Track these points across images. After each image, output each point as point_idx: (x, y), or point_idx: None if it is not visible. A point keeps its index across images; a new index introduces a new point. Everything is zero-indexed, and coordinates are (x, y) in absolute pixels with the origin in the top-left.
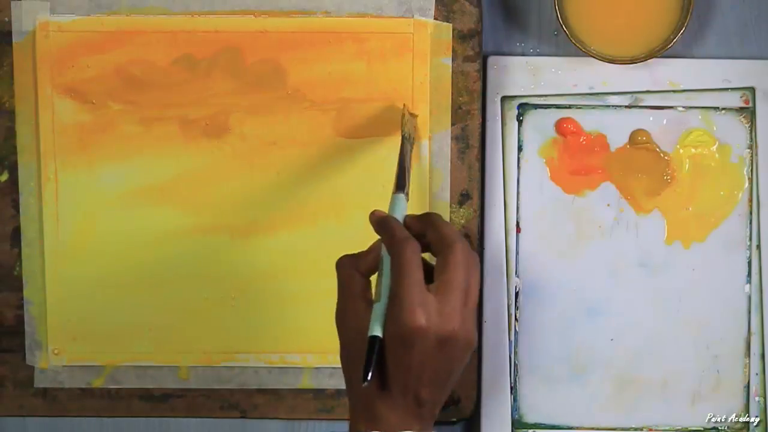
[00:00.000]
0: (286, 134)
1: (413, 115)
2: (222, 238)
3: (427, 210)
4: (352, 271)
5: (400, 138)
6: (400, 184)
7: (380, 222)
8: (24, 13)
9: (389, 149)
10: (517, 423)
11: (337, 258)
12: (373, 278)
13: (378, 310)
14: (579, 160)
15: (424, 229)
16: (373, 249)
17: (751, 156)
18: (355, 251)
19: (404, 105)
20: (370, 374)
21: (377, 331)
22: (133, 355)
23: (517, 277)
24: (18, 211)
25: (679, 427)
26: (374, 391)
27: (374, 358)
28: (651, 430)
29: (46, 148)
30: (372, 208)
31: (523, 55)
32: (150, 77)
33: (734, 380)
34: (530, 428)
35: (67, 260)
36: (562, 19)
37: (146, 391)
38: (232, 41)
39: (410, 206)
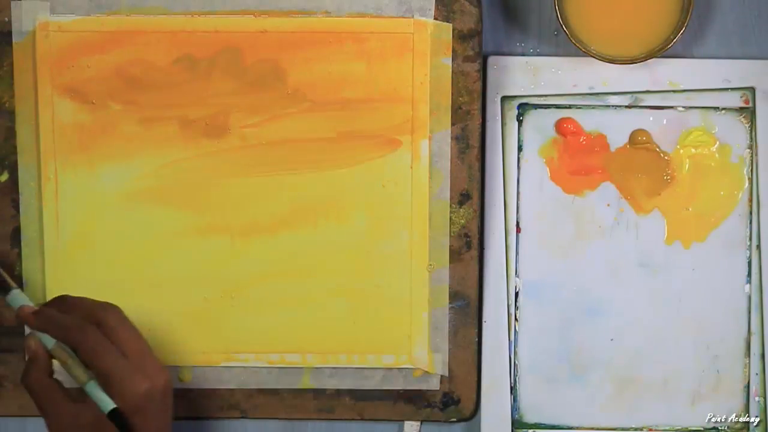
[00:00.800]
0: (286, 134)
1: None
2: (222, 238)
3: (426, 213)
4: (45, 380)
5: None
6: (5, 284)
7: (39, 317)
8: (24, 13)
9: (389, 149)
10: (517, 423)
11: (23, 382)
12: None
13: (94, 386)
14: (579, 160)
15: (64, 312)
16: (37, 347)
17: (751, 156)
18: (355, 251)
19: None
20: None
21: (111, 404)
22: None
23: (517, 277)
24: (18, 211)
25: (679, 427)
26: None
27: (128, 423)
28: (651, 430)
29: (46, 148)
30: (372, 208)
31: (523, 55)
32: (150, 77)
33: (734, 380)
34: (530, 428)
35: (67, 260)
36: (562, 19)
37: None
38: (232, 41)
39: (410, 206)
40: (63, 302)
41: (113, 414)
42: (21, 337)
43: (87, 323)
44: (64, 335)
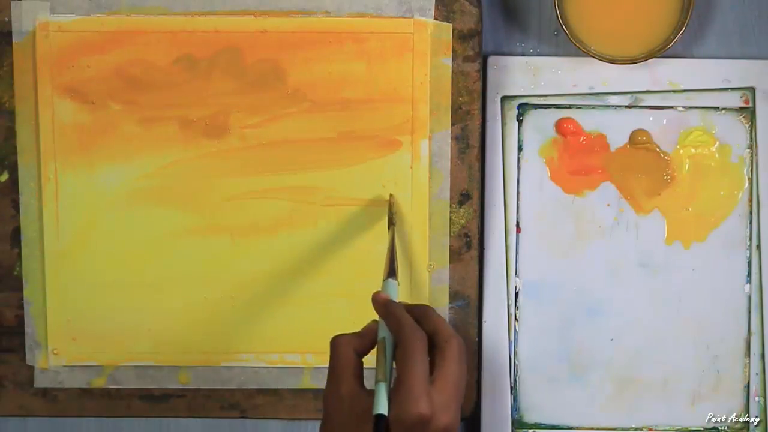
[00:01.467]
0: (286, 134)
1: (393, 199)
2: (222, 238)
3: (426, 213)
4: (351, 352)
5: (388, 227)
6: (392, 270)
7: (386, 306)
8: (24, 13)
9: (389, 149)
10: (517, 423)
11: (333, 336)
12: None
13: (382, 390)
14: (579, 160)
15: (419, 320)
16: (370, 331)
17: (751, 156)
18: (355, 252)
19: (390, 195)
20: None
21: (383, 409)
22: (133, 355)
23: (517, 277)
24: (18, 211)
25: (679, 427)
26: None
27: None
28: (651, 430)
29: (46, 148)
30: (372, 208)
31: (523, 55)
32: (150, 77)
33: (734, 380)
34: (530, 428)
35: (67, 260)
36: (562, 19)
37: (146, 391)
38: (232, 41)
39: (411, 206)
40: (421, 310)
41: (378, 418)
42: (21, 337)
43: (422, 332)
44: (397, 330)
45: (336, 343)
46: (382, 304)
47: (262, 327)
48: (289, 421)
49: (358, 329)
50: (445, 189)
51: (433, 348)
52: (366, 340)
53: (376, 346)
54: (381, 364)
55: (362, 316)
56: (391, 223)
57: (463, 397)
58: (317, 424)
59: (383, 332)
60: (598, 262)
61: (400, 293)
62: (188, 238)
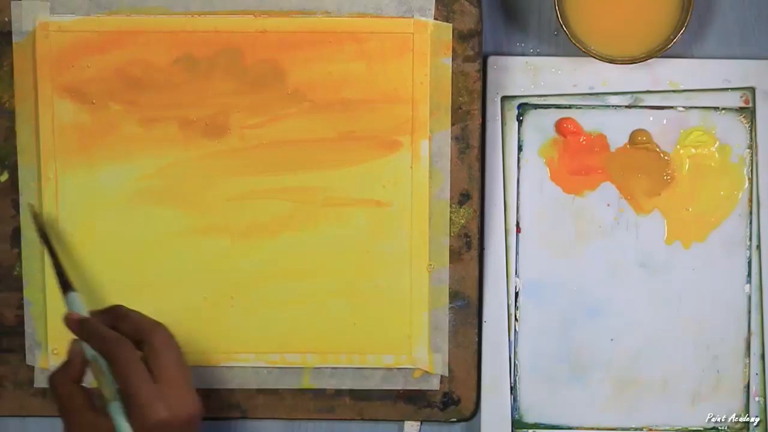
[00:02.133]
0: (286, 134)
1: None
2: (222, 239)
3: (426, 213)
4: (70, 385)
5: (42, 242)
6: (66, 283)
7: (81, 324)
8: (24, 13)
9: (389, 149)
10: (517, 423)
11: (50, 380)
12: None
13: (117, 410)
14: (579, 160)
15: (114, 322)
16: (76, 354)
17: (751, 156)
18: (355, 252)
19: (31, 206)
20: None
21: (127, 429)
22: None
23: (517, 277)
24: (18, 211)
25: (679, 427)
26: None
27: None
28: (651, 430)
29: (46, 148)
30: (372, 208)
31: (523, 55)
32: (150, 77)
33: (734, 380)
34: (530, 428)
35: (67, 260)
36: (562, 19)
37: None
38: (232, 41)
39: (410, 206)
40: (114, 312)
41: None
42: (21, 337)
43: (124, 340)
44: (101, 347)
45: (53, 382)
46: (76, 323)
47: (262, 327)
48: (289, 421)
49: (358, 329)
50: (445, 189)
51: (142, 344)
52: (76, 364)
53: (89, 367)
54: (103, 384)
55: (362, 316)
56: (44, 238)
57: (190, 376)
58: (317, 424)
59: (90, 351)
60: (598, 262)
61: (400, 293)
62: (188, 238)
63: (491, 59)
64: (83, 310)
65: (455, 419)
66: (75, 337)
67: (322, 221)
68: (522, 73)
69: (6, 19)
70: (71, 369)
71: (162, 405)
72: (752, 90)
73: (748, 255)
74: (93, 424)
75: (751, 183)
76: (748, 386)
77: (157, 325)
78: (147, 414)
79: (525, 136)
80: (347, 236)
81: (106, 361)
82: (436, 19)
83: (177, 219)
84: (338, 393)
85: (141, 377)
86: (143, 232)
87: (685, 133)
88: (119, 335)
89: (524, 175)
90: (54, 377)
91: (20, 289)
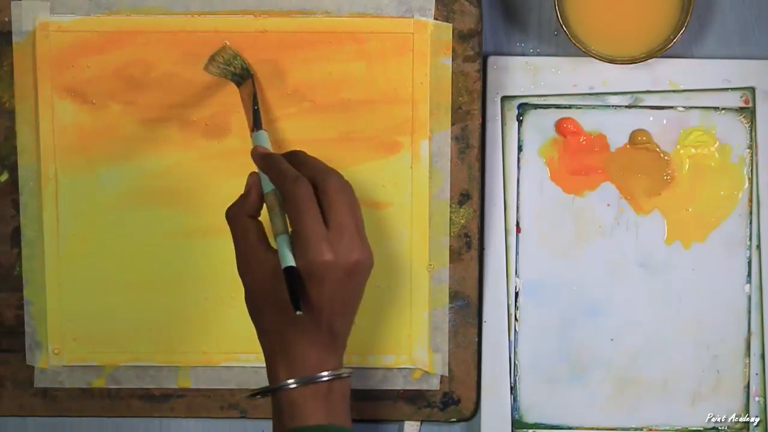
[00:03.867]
0: (286, 135)
1: (222, 49)
2: (222, 239)
3: (426, 213)
4: (245, 219)
5: (242, 80)
6: (257, 121)
7: (265, 159)
8: (24, 13)
9: (390, 149)
10: (517, 423)
11: (225, 210)
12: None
13: (284, 242)
14: (579, 160)
15: (297, 168)
16: (253, 187)
17: (751, 156)
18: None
19: (225, 43)
20: (300, 302)
21: (291, 261)
22: (133, 355)
23: (517, 277)
24: (18, 211)
25: (679, 427)
26: (288, 335)
27: (297, 285)
28: (651, 430)
29: (46, 148)
30: (372, 208)
31: (523, 55)
32: (150, 77)
33: (734, 380)
34: (530, 428)
35: (67, 260)
36: (562, 19)
37: (146, 391)
38: (232, 41)
39: (410, 206)
40: (295, 156)
41: (288, 271)
42: (21, 337)
43: (303, 179)
44: (281, 182)
45: (230, 215)
46: (260, 157)
47: None
48: None
49: (358, 329)
50: (445, 189)
51: (317, 190)
52: (253, 196)
53: (264, 201)
54: (275, 217)
55: (362, 316)
56: (249, 74)
57: (362, 224)
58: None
59: (267, 186)
60: (598, 262)
61: (400, 293)
62: (188, 238)
63: (491, 59)
64: (269, 148)
65: (455, 419)
66: (254, 170)
67: None
68: (522, 73)
69: (6, 19)
70: (247, 201)
71: (327, 246)
72: (752, 90)
73: (748, 255)
74: (260, 259)
75: (751, 183)
76: (748, 386)
77: (333, 171)
78: (311, 253)
79: (525, 136)
80: None
81: (281, 197)
82: (436, 19)
83: (177, 219)
84: None
85: (312, 217)
86: (143, 232)
87: (685, 133)
88: (299, 174)
89: (524, 175)
90: (231, 209)
91: (20, 289)
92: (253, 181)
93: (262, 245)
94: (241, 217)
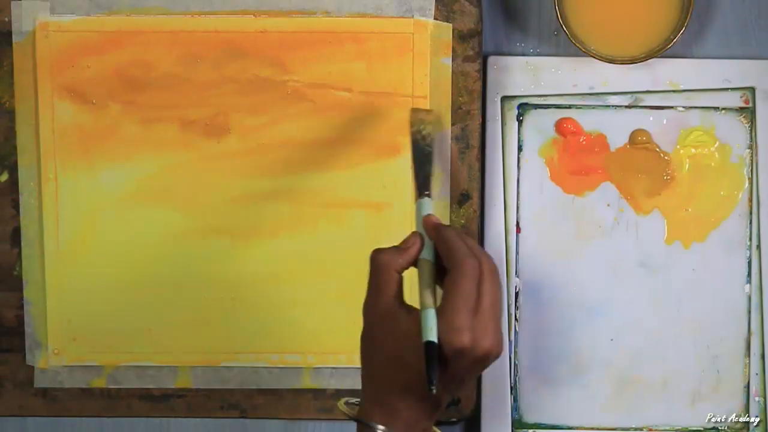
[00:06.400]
0: (286, 134)
1: (426, 111)
2: (222, 239)
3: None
4: (392, 270)
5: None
6: (424, 186)
7: (440, 229)
8: (24, 13)
9: (390, 150)
10: (517, 423)
11: (373, 250)
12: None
13: (431, 316)
14: (579, 160)
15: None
16: (412, 245)
17: (751, 156)
18: (355, 253)
19: (414, 106)
20: (434, 381)
21: (433, 337)
22: (133, 355)
23: (517, 277)
24: (18, 211)
25: (679, 427)
26: (400, 391)
27: (436, 364)
28: (651, 430)
29: (46, 148)
30: (372, 209)
31: (523, 55)
32: (150, 77)
33: (734, 380)
34: (530, 428)
35: (67, 260)
36: (562, 19)
37: (146, 391)
38: (232, 41)
39: (410, 206)
40: (460, 232)
41: (429, 346)
42: (21, 337)
43: (477, 259)
44: (449, 255)
45: (376, 260)
46: (432, 227)
47: (262, 327)
48: (289, 421)
49: (358, 329)
50: (445, 189)
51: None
52: (410, 254)
53: (418, 265)
54: (426, 287)
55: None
56: (414, 132)
57: (503, 317)
58: (317, 424)
59: (427, 253)
60: (598, 262)
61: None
62: (188, 238)
63: (491, 59)
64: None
65: (455, 419)
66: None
67: (322, 222)
68: (522, 73)
69: (6, 19)
70: (404, 258)
71: (470, 333)
72: (752, 90)
73: (748, 255)
74: (397, 315)
75: (751, 183)
76: (748, 386)
77: (487, 257)
78: (452, 336)
79: (525, 136)
80: (347, 237)
81: (436, 267)
82: (436, 19)
83: (177, 219)
84: (338, 393)
85: (466, 301)
86: (143, 232)
87: (685, 133)
88: (471, 253)
89: (524, 175)
90: (382, 256)
91: (20, 289)
92: (415, 242)
93: (398, 299)
94: (390, 268)
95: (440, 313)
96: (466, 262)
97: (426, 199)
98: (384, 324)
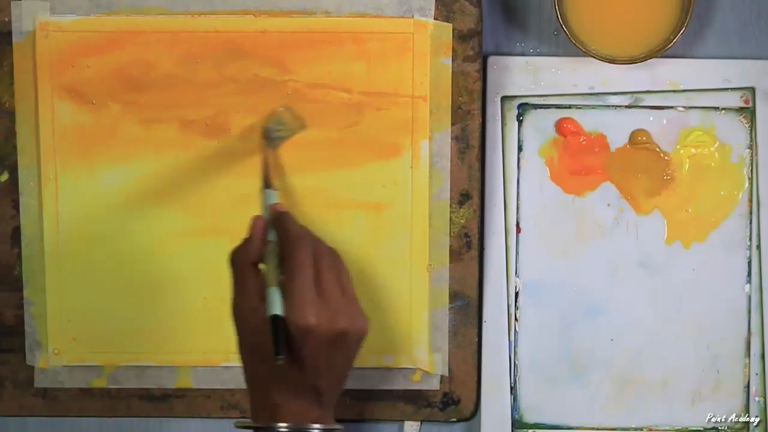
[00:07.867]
0: None
1: (295, 118)
2: (222, 239)
3: (426, 213)
4: (246, 266)
5: (270, 144)
6: (266, 179)
7: (280, 216)
8: (24, 13)
9: (389, 150)
10: (517, 423)
11: (229, 252)
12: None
13: (275, 293)
14: (579, 160)
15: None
16: (257, 233)
17: (751, 156)
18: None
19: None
20: (282, 350)
21: (277, 310)
22: (133, 355)
23: (517, 277)
24: (18, 211)
25: (679, 427)
26: (273, 383)
27: (282, 335)
28: (651, 430)
29: (46, 148)
30: (372, 210)
31: (523, 55)
32: (150, 77)
33: (734, 380)
34: (530, 428)
35: (67, 260)
36: (562, 19)
37: (146, 391)
38: (232, 41)
39: (410, 206)
40: (302, 228)
41: (273, 319)
42: (21, 337)
43: (310, 242)
44: (285, 239)
45: (233, 260)
46: (279, 214)
47: None
48: None
49: None
50: (445, 189)
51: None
52: (257, 246)
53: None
54: (271, 269)
55: None
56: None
57: (353, 290)
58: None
59: (271, 236)
60: (598, 262)
61: (400, 293)
62: (188, 238)
63: (491, 59)
64: (282, 205)
65: (455, 419)
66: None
67: (322, 222)
68: (522, 73)
69: (6, 19)
70: (251, 247)
71: (311, 311)
72: (752, 90)
73: (748, 255)
74: (255, 307)
75: (751, 183)
76: (748, 386)
77: (331, 248)
78: (296, 315)
79: (525, 136)
80: (347, 237)
81: (282, 255)
82: (436, 19)
83: (177, 219)
84: None
85: (305, 279)
86: (143, 232)
87: (685, 133)
88: (304, 234)
89: (524, 175)
90: (234, 254)
91: (20, 289)
92: (257, 226)
93: (257, 295)
94: (242, 263)
95: (284, 294)
96: (299, 241)
97: (270, 191)
98: (247, 320)
